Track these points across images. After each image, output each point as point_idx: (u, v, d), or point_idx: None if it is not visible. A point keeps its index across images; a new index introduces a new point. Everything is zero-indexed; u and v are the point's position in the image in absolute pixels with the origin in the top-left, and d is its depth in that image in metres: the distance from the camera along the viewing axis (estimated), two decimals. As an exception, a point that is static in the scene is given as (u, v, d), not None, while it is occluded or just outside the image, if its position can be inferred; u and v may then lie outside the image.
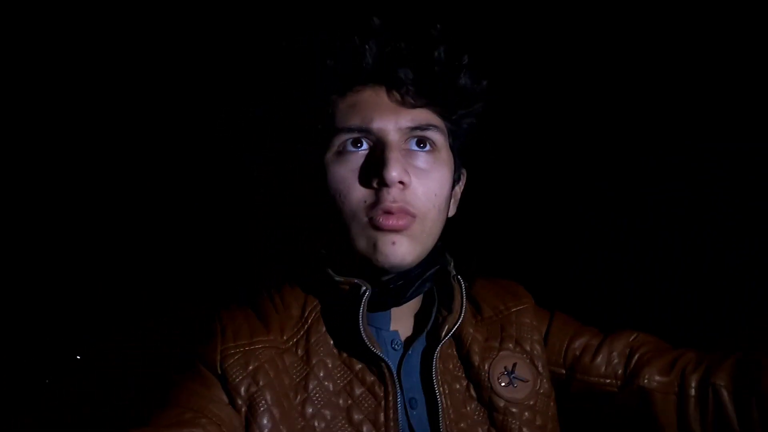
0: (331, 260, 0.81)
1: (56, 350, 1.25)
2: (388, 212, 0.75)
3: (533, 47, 1.35)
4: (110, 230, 1.33)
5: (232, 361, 0.75)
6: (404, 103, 0.79)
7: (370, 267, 0.78)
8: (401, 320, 0.85)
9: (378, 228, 0.76)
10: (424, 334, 0.84)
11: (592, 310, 1.34)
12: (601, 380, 0.87)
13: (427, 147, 0.80)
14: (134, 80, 1.30)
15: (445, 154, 0.82)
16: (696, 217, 1.27)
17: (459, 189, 0.91)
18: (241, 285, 0.90)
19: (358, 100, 0.79)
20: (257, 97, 0.94)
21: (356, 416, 0.77)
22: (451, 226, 0.87)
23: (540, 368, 0.87)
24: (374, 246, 0.76)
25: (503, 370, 0.84)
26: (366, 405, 0.78)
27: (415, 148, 0.79)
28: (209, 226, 1.33)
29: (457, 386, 0.83)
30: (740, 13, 1.20)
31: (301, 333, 0.80)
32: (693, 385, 0.83)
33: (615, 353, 0.88)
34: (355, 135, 0.78)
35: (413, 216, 0.77)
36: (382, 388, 0.78)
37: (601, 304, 1.32)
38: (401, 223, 0.76)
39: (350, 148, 0.78)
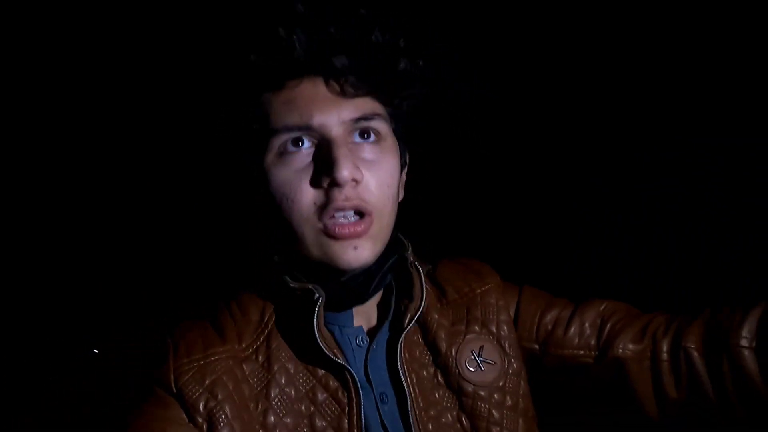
0: (285, 265, 0.78)
1: (56, 350, 1.26)
2: (341, 210, 0.72)
3: (529, 44, 1.35)
4: (110, 231, 1.34)
5: (187, 377, 0.73)
6: (344, 94, 0.74)
7: (328, 270, 0.75)
8: (364, 314, 0.83)
9: (334, 237, 0.73)
10: (387, 324, 0.82)
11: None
12: (575, 352, 0.87)
13: (372, 137, 0.76)
14: (133, 80, 1.31)
15: (390, 142, 0.78)
16: (690, 213, 1.27)
17: (404, 173, 0.87)
18: (197, 297, 0.88)
19: (293, 95, 0.73)
20: (183, 100, 0.91)
21: (319, 423, 0.76)
22: (406, 208, 0.85)
23: (507, 348, 0.86)
24: (332, 254, 0.73)
25: (470, 354, 0.84)
26: (329, 412, 0.76)
27: (360, 140, 0.75)
28: (206, 226, 1.33)
29: (425, 373, 0.82)
30: (734, 10, 1.19)
31: (261, 339, 0.78)
32: (665, 349, 0.84)
33: (587, 324, 0.87)
34: (295, 134, 0.73)
35: (369, 214, 0.74)
36: (346, 395, 0.76)
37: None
38: (359, 229, 0.73)
39: (291, 148, 0.73)
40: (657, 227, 1.30)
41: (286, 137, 0.73)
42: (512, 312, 0.89)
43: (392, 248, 0.81)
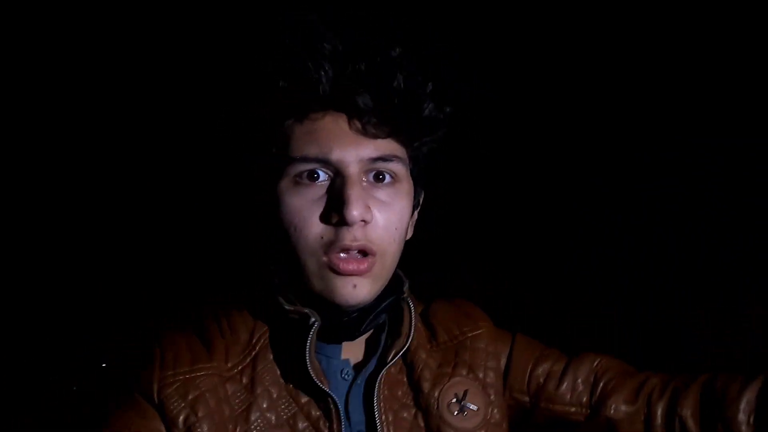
0: (283, 289, 0.77)
1: (56, 350, 1.26)
2: (347, 250, 0.72)
3: (528, 45, 1.35)
4: (110, 231, 1.34)
5: (170, 390, 0.71)
6: (365, 133, 0.73)
7: (325, 303, 0.74)
8: (353, 348, 0.81)
9: (337, 272, 0.72)
10: (374, 360, 0.81)
11: (586, 306, 1.35)
12: (567, 409, 0.85)
13: (388, 179, 0.75)
14: (133, 80, 1.31)
15: (406, 185, 0.77)
16: (690, 213, 1.27)
17: (416, 213, 0.86)
18: (186, 304, 0.87)
19: (315, 127, 0.73)
20: (212, 106, 0.90)
21: None
22: (414, 239, 0.84)
23: (492, 396, 0.84)
24: (332, 288, 0.73)
25: (453, 397, 0.82)
26: None
27: (375, 180, 0.75)
28: (208, 227, 1.33)
29: (405, 414, 0.80)
30: (734, 11, 1.20)
31: (248, 360, 0.76)
32: (659, 413, 0.82)
33: (579, 380, 0.86)
34: (312, 166, 0.72)
35: (373, 254, 0.73)
36: (327, 425, 0.75)
37: (595, 299, 1.33)
38: (362, 267, 0.72)
39: (306, 179, 0.73)
40: (657, 227, 1.30)
41: (302, 167, 0.73)
42: (503, 361, 0.88)
43: (391, 287, 0.80)
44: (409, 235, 0.83)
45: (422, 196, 0.86)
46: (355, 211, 0.70)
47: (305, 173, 0.73)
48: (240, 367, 0.76)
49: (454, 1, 1.30)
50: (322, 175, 0.73)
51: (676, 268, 1.27)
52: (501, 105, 1.35)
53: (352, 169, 0.72)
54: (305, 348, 0.73)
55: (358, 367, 0.81)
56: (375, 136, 0.73)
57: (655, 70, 1.30)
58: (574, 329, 1.28)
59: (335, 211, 0.71)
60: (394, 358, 0.79)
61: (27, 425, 1.18)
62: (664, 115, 1.29)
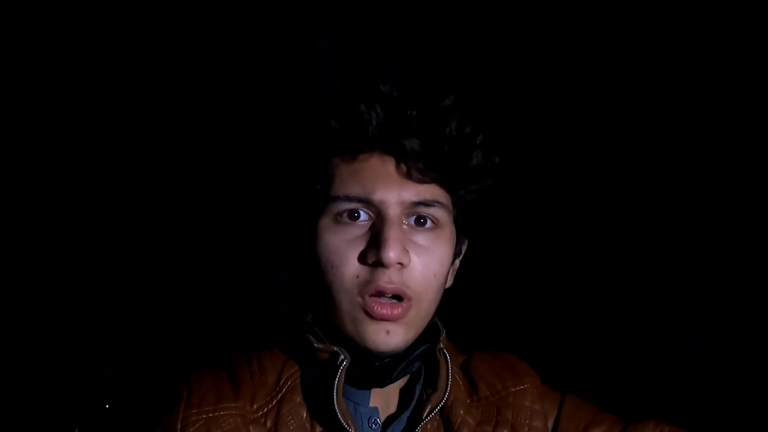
0: (314, 327, 0.76)
1: (56, 350, 1.26)
2: (382, 293, 0.70)
3: (528, 45, 1.35)
4: (110, 231, 1.34)
5: (193, 429, 0.71)
6: (410, 176, 0.72)
7: (356, 347, 0.72)
8: (383, 396, 0.77)
9: (370, 316, 0.70)
10: (406, 413, 0.77)
11: (586, 306, 1.35)
12: None
13: (429, 223, 0.74)
14: (133, 81, 1.31)
15: (447, 231, 0.75)
16: (690, 213, 1.27)
17: (458, 261, 0.82)
18: (216, 349, 0.87)
19: (361, 167, 0.73)
20: (259, 141, 0.90)
21: None
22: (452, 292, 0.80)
23: None
24: (364, 332, 0.71)
25: None
26: None
27: (416, 224, 0.73)
28: (209, 228, 1.33)
29: None
30: (734, 12, 1.20)
31: (273, 403, 0.75)
32: None
33: None
34: (354, 205, 0.72)
35: (409, 299, 0.71)
36: None
37: (595, 299, 1.33)
38: (396, 312, 0.70)
39: (347, 218, 0.72)
40: (657, 227, 1.30)
41: (344, 206, 0.72)
42: (551, 423, 0.83)
43: (426, 335, 0.77)
44: (449, 284, 0.80)
45: (465, 244, 0.83)
46: (392, 253, 0.69)
47: (346, 212, 0.72)
48: (265, 410, 0.75)
49: (454, 1, 1.30)
50: (363, 215, 0.72)
51: (676, 268, 1.27)
52: (501, 105, 1.35)
53: (393, 210, 0.71)
54: (333, 386, 0.71)
55: (389, 419, 0.77)
56: (420, 181, 0.72)
57: (655, 70, 1.30)
58: (574, 329, 1.28)
59: (373, 251, 0.70)
60: (429, 414, 0.75)
61: (27, 425, 1.18)
62: (664, 115, 1.29)
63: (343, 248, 0.72)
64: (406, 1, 1.05)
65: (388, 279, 0.70)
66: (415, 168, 0.72)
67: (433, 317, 0.77)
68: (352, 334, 0.72)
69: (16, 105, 1.28)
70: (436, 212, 0.73)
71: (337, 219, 0.73)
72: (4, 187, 1.29)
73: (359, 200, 0.72)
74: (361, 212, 0.72)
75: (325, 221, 0.73)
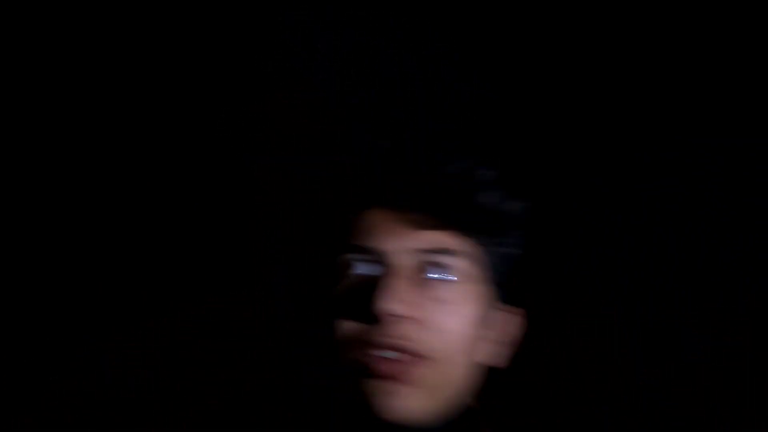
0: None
1: (56, 350, 1.26)
2: (379, 347, 0.65)
3: (528, 45, 1.35)
4: (110, 231, 1.34)
5: None
6: (419, 225, 0.69)
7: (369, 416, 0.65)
8: None
9: (371, 374, 0.65)
10: None
11: (586, 306, 1.35)
12: None
13: (447, 275, 0.69)
14: (133, 81, 1.31)
15: (472, 286, 0.70)
16: (691, 213, 1.27)
17: (509, 332, 0.76)
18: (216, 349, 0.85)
19: (368, 216, 0.71)
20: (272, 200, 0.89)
21: None
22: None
23: None
24: (367, 392, 0.65)
25: None
26: None
27: (434, 276, 0.68)
28: (209, 228, 1.33)
29: None
30: (734, 10, 1.19)
31: None
32: None
33: None
34: (358, 255, 0.70)
35: (419, 357, 0.65)
36: None
37: (595, 299, 1.33)
38: (400, 369, 0.64)
39: (354, 270, 0.70)
40: (657, 227, 1.30)
41: (350, 258, 0.71)
42: None
43: (464, 423, 0.70)
44: (492, 361, 0.75)
45: (518, 312, 0.78)
46: (383, 303, 0.64)
47: (350, 261, 0.71)
48: None
49: (454, 1, 1.30)
50: (370, 267, 0.70)
51: (676, 268, 1.27)
52: (501, 105, 1.35)
53: (398, 260, 0.68)
54: None
55: None
56: (431, 228, 0.69)
57: (655, 70, 1.30)
58: (574, 329, 1.28)
59: (372, 303, 0.66)
60: None
61: (27, 425, 1.18)
62: (664, 115, 1.29)
63: (346, 301, 0.69)
64: (406, 1, 1.05)
65: (381, 332, 0.66)
66: (421, 216, 0.69)
67: (476, 406, 0.70)
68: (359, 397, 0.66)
69: (15, 105, 1.28)
70: (450, 261, 0.69)
71: (345, 273, 0.71)
72: (3, 187, 1.29)
73: (363, 250, 0.70)
74: (367, 263, 0.70)
75: (336, 275, 0.71)
